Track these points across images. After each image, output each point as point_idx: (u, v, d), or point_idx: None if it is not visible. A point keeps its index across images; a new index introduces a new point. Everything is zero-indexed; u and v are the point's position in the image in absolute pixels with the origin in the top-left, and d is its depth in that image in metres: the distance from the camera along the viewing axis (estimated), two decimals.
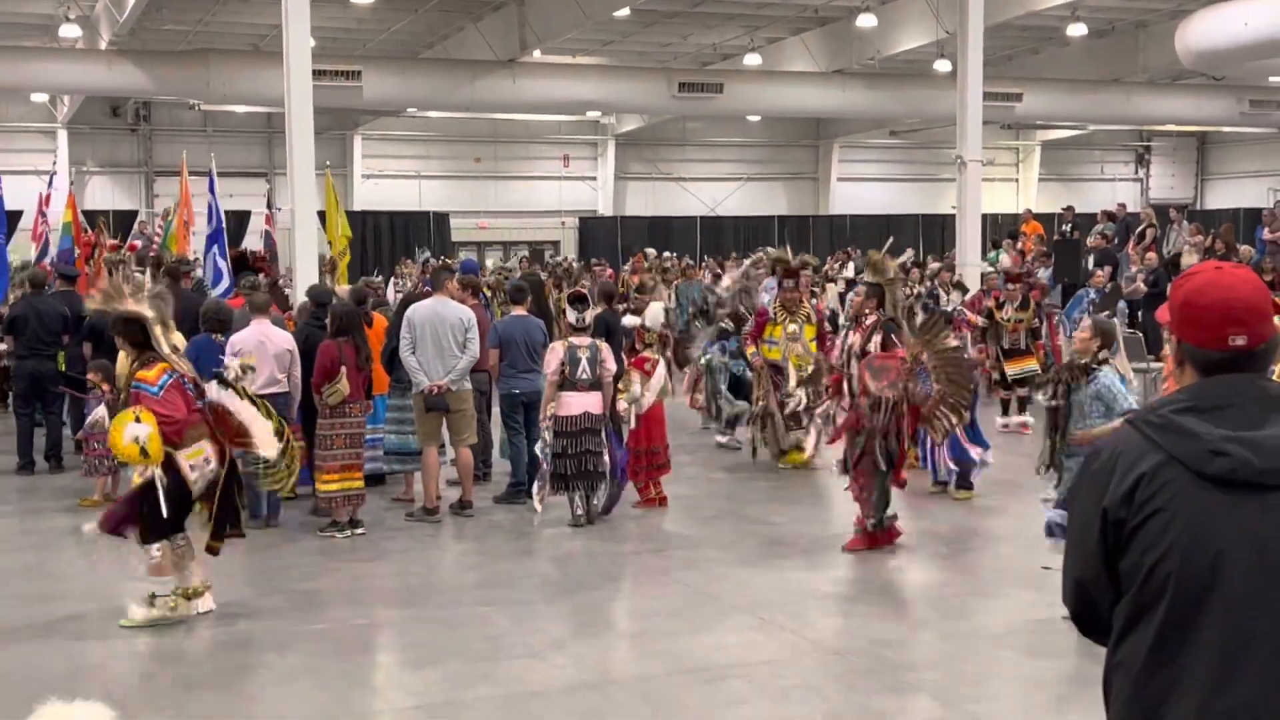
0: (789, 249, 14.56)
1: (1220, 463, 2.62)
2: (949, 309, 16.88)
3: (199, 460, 7.90)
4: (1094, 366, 7.76)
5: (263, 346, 10.45)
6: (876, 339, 9.90)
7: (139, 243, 20.98)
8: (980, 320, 15.60)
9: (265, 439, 8.14)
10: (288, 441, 8.37)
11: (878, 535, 9.67)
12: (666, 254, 27.80)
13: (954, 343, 10.02)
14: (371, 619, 8.43)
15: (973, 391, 10.11)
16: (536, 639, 7.80)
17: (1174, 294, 2.87)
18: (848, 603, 8.71)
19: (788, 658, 7.37)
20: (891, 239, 17.86)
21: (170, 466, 7.79)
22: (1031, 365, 14.77)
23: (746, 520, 10.86)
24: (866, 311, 10.29)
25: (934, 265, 22.56)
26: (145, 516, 7.87)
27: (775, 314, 12.88)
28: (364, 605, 8.74)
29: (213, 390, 8.16)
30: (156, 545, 8.04)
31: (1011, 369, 14.79)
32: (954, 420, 9.58)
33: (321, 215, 18.52)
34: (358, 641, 7.92)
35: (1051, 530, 7.83)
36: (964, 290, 17.73)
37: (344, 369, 10.12)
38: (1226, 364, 2.73)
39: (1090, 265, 20.49)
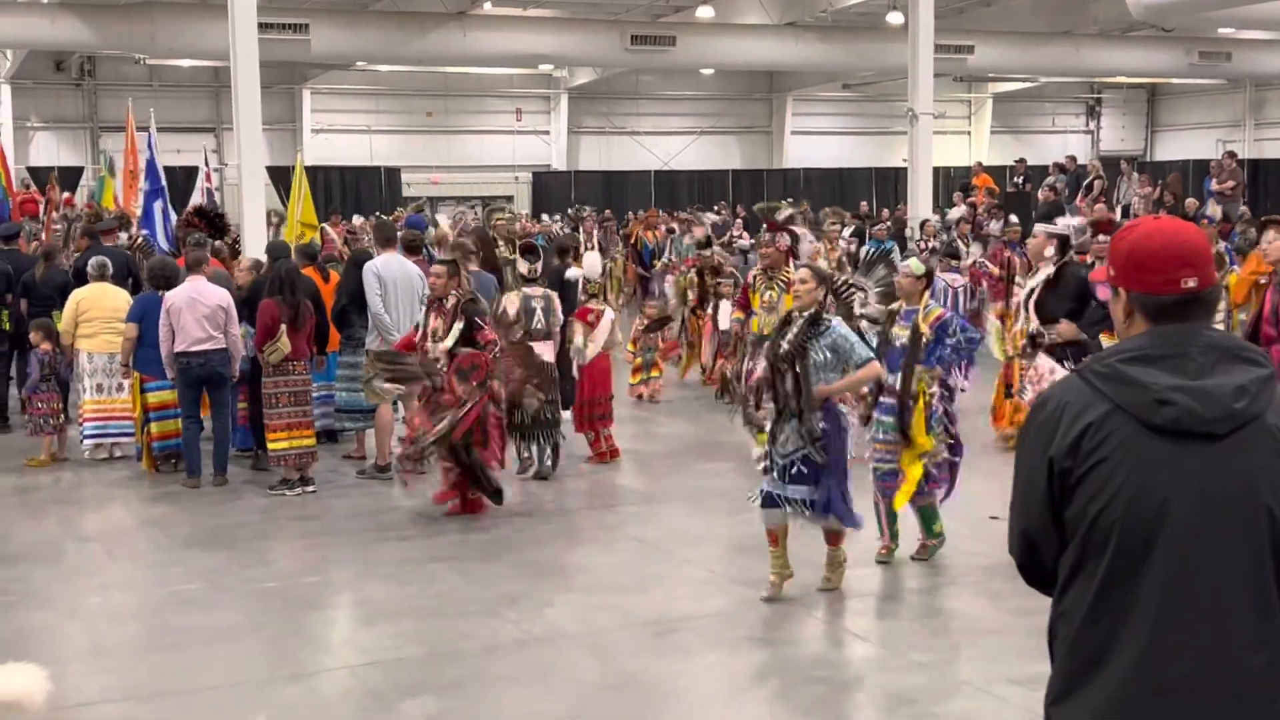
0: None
1: (1166, 412, 2.62)
2: (969, 261, 16.85)
3: None
4: (825, 317, 7.30)
5: (194, 303, 10.36)
6: (459, 326, 9.26)
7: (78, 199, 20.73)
8: (1000, 272, 15.62)
9: None
10: None
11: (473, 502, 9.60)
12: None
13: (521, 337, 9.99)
14: (321, 576, 8.38)
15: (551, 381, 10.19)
16: (488, 595, 7.78)
17: (1117, 245, 2.85)
18: (798, 555, 8.72)
19: (738, 610, 7.38)
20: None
21: None
22: None
23: (699, 475, 10.86)
24: (451, 293, 9.39)
25: (953, 215, 22.18)
26: None
27: (755, 280, 11.14)
28: (314, 563, 8.69)
29: None
30: None
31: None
32: (541, 397, 9.70)
33: (275, 173, 18.22)
34: (308, 599, 7.88)
35: (774, 500, 7.33)
36: (985, 242, 17.63)
37: (283, 327, 10.03)
38: (1178, 308, 2.73)
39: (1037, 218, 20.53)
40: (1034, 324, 8.51)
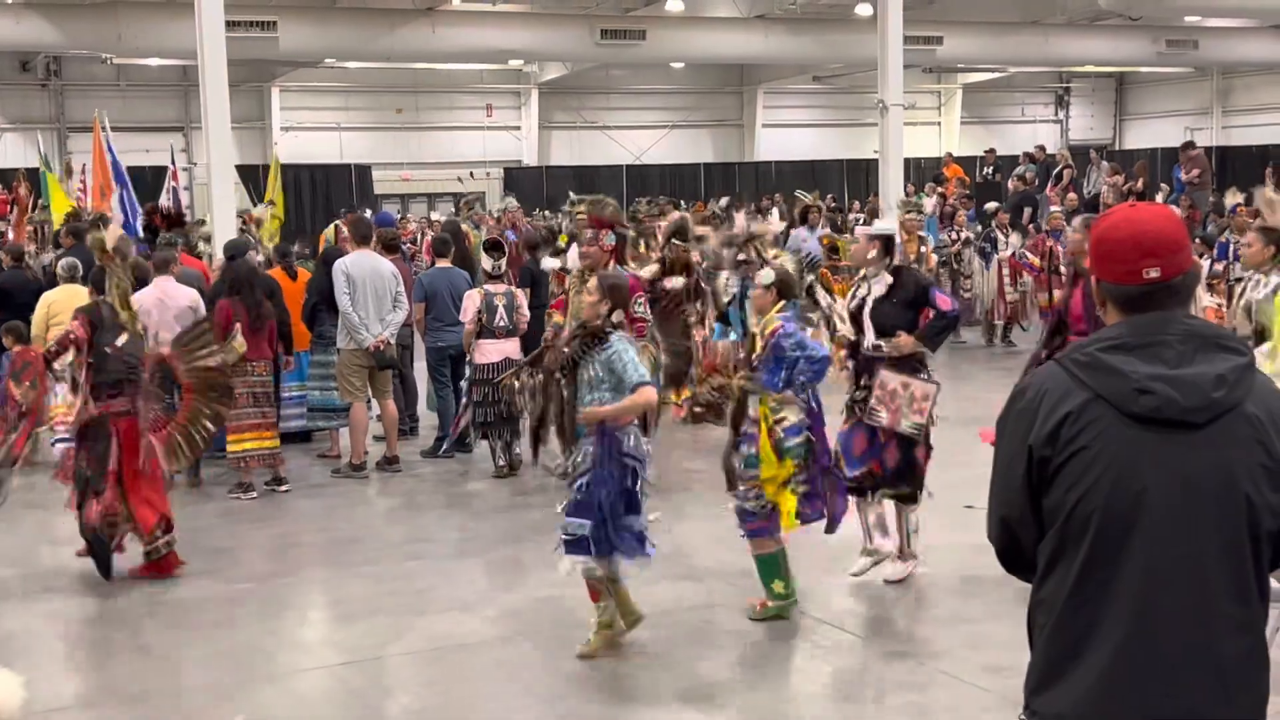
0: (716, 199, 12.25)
1: (1145, 401, 2.63)
2: (1008, 252, 16.75)
3: None
4: (608, 331, 6.57)
5: (162, 304, 10.28)
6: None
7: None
8: (1041, 262, 15.65)
9: None
10: None
11: (162, 561, 8.27)
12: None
13: (212, 361, 8.58)
14: (298, 576, 8.35)
15: (227, 405, 8.79)
16: (464, 592, 7.77)
17: (1092, 234, 2.89)
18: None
19: (717, 604, 7.38)
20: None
21: None
22: None
23: (679, 468, 10.85)
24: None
25: (990, 205, 21.93)
26: None
27: (571, 283, 9.75)
28: (290, 563, 8.66)
29: None
30: None
31: None
32: (210, 430, 8.51)
33: (244, 171, 18.09)
34: (284, 600, 7.85)
35: (575, 542, 6.56)
36: (1024, 233, 17.50)
37: (237, 327, 9.91)
38: (1145, 298, 2.74)
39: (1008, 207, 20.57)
40: (870, 337, 7.56)
